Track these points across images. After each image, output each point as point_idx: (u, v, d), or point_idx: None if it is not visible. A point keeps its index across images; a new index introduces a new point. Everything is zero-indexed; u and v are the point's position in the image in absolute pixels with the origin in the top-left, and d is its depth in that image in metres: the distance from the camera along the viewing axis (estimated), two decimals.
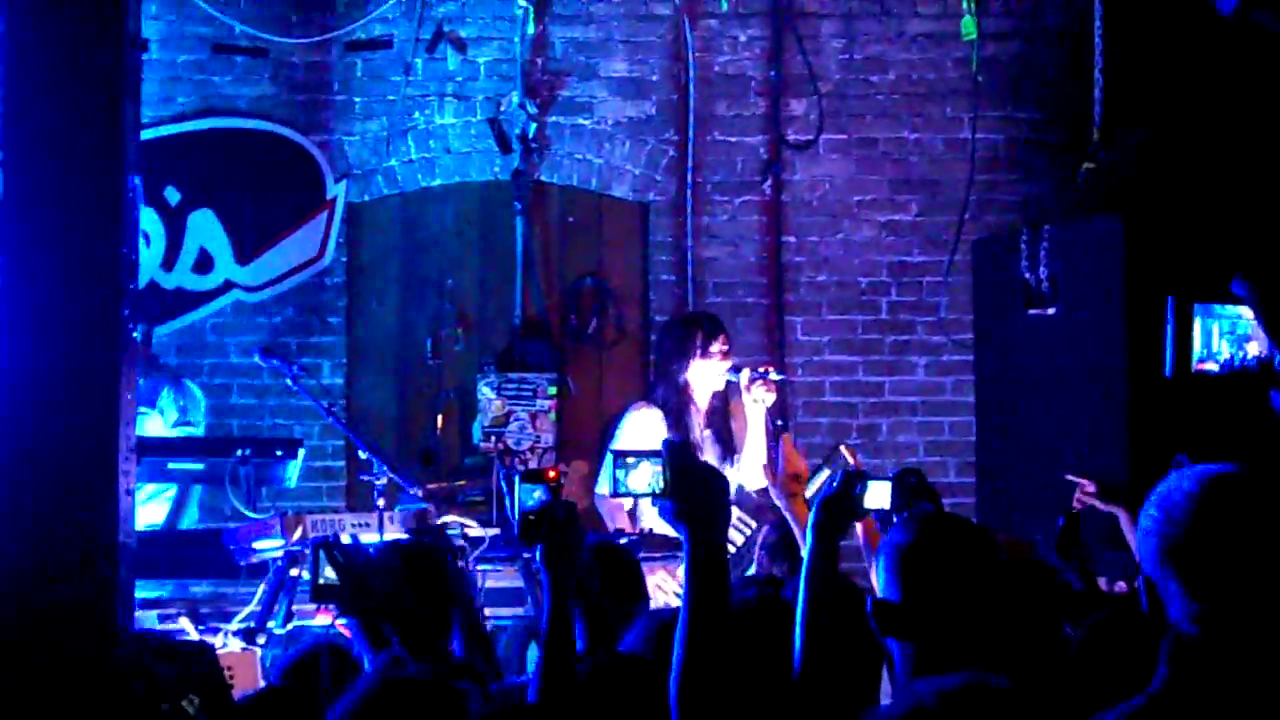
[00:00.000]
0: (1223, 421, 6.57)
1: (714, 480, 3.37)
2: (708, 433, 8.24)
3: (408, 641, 3.80)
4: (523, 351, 10.23)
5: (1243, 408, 4.79)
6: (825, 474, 7.35)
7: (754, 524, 7.68)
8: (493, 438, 9.94)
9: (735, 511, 7.73)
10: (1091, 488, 6.83)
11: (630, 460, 3.76)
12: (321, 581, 4.46)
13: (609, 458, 3.81)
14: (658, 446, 3.49)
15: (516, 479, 4.24)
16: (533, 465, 9.52)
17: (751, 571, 7.30)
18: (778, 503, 6.08)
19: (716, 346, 8.23)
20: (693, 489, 3.32)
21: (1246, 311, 4.03)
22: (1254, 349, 4.03)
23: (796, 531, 5.75)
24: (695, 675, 3.19)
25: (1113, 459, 8.31)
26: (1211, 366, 3.93)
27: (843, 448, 6.80)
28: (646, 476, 3.71)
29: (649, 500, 4.07)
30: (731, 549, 7.61)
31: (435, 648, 3.96)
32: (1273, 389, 4.05)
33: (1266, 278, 7.61)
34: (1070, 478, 7.01)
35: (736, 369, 8.26)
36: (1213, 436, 6.79)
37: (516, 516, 4.18)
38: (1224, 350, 3.95)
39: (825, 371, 10.50)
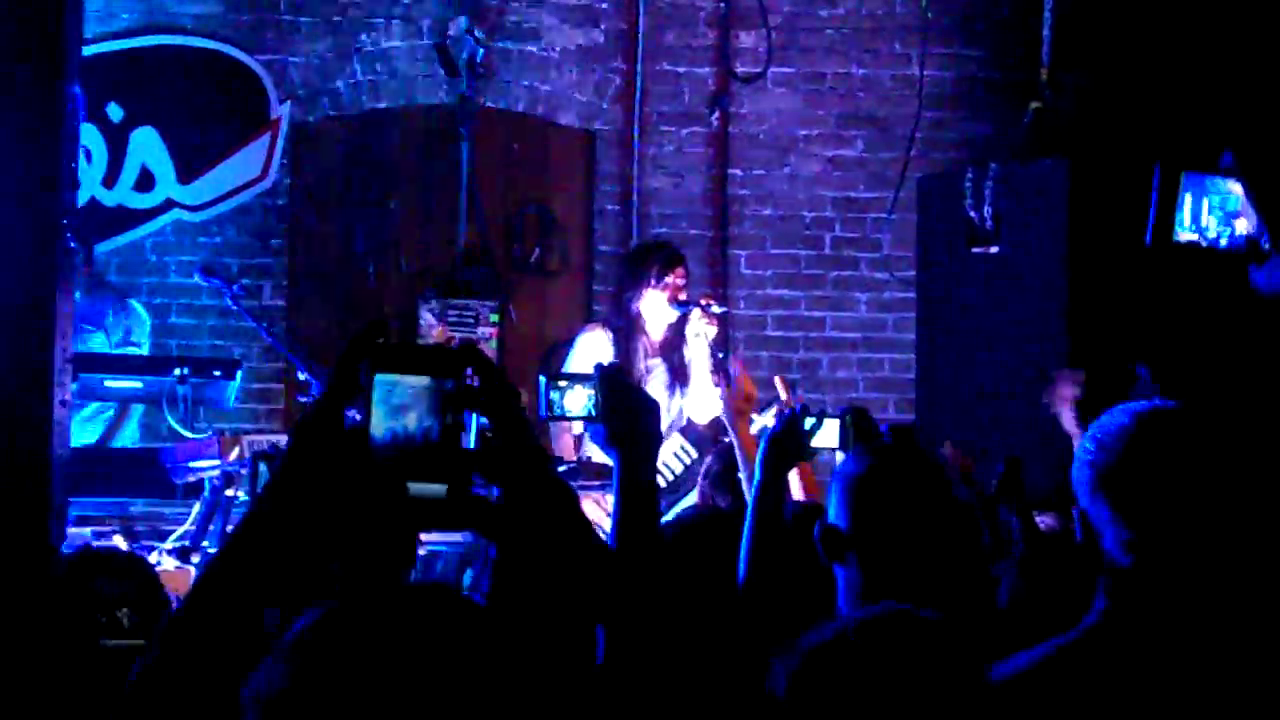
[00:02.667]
0: (1181, 305, 6.51)
1: (646, 405, 3.35)
2: (656, 362, 8.14)
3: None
4: (465, 278, 10.17)
5: (1217, 288, 4.80)
6: (772, 411, 7.37)
7: (695, 453, 7.65)
8: None
9: (678, 439, 7.71)
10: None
11: (563, 384, 3.76)
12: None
13: (541, 381, 3.79)
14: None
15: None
16: None
17: (693, 498, 7.30)
18: (725, 423, 6.11)
19: (671, 278, 8.07)
20: (624, 413, 3.31)
21: (1235, 187, 4.02)
22: (1242, 226, 4.01)
23: (739, 454, 5.77)
24: (625, 596, 3.18)
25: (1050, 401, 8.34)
26: (1192, 236, 3.91)
27: (778, 380, 6.77)
28: (580, 400, 3.71)
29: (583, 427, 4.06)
30: (670, 476, 7.60)
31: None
32: (1251, 265, 4.04)
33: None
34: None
35: (683, 303, 8.21)
36: (1164, 333, 6.74)
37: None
38: (1211, 227, 3.93)
39: (768, 305, 10.51)
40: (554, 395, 3.75)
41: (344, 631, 1.82)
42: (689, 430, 7.87)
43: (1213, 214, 3.97)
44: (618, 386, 3.36)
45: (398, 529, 1.99)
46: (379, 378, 1.99)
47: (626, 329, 7.99)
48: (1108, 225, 8.22)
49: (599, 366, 3.43)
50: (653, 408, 3.36)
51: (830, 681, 2.42)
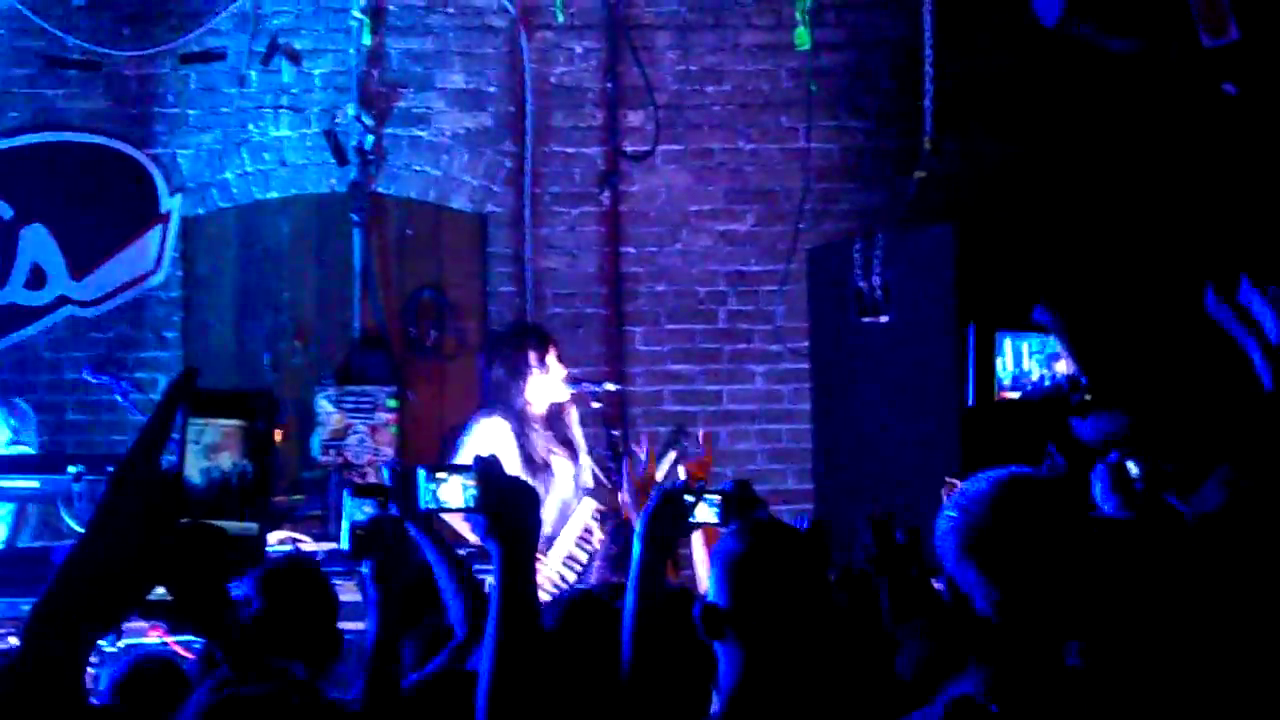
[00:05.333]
0: (1042, 436, 6.67)
1: (525, 495, 3.36)
2: (552, 447, 8.03)
3: (233, 658, 3.75)
4: (362, 364, 10.19)
5: (1055, 427, 4.92)
6: (670, 458, 7.40)
7: (597, 542, 7.61)
8: (332, 451, 9.89)
9: (582, 524, 7.67)
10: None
11: (441, 475, 3.75)
12: (149, 597, 4.38)
13: (420, 473, 3.78)
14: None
15: (346, 493, 4.21)
16: (372, 479, 9.48)
17: (593, 581, 7.32)
18: (627, 503, 6.15)
19: (550, 358, 8.00)
20: (504, 504, 3.32)
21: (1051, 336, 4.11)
22: (1062, 367, 4.10)
23: None
24: (503, 688, 3.19)
25: (946, 465, 8.42)
26: (1014, 395, 3.98)
27: (700, 433, 6.85)
28: (458, 491, 3.70)
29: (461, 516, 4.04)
30: (578, 567, 7.58)
31: (267, 665, 3.92)
32: (1073, 417, 4.13)
33: (1087, 289, 7.75)
34: (949, 479, 7.04)
35: (576, 381, 8.23)
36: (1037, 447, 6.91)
37: (346, 531, 4.16)
38: (1034, 371, 3.99)
39: (665, 380, 10.54)
40: (431, 486, 3.75)
41: None
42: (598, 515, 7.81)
43: (1033, 358, 4.06)
44: (497, 478, 3.36)
45: (213, 565, 2.03)
46: (192, 421, 2.05)
47: (519, 427, 7.85)
48: (994, 288, 8.31)
49: (478, 458, 3.44)
50: (533, 499, 3.37)
51: None
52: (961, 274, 8.70)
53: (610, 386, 8.24)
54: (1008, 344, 3.98)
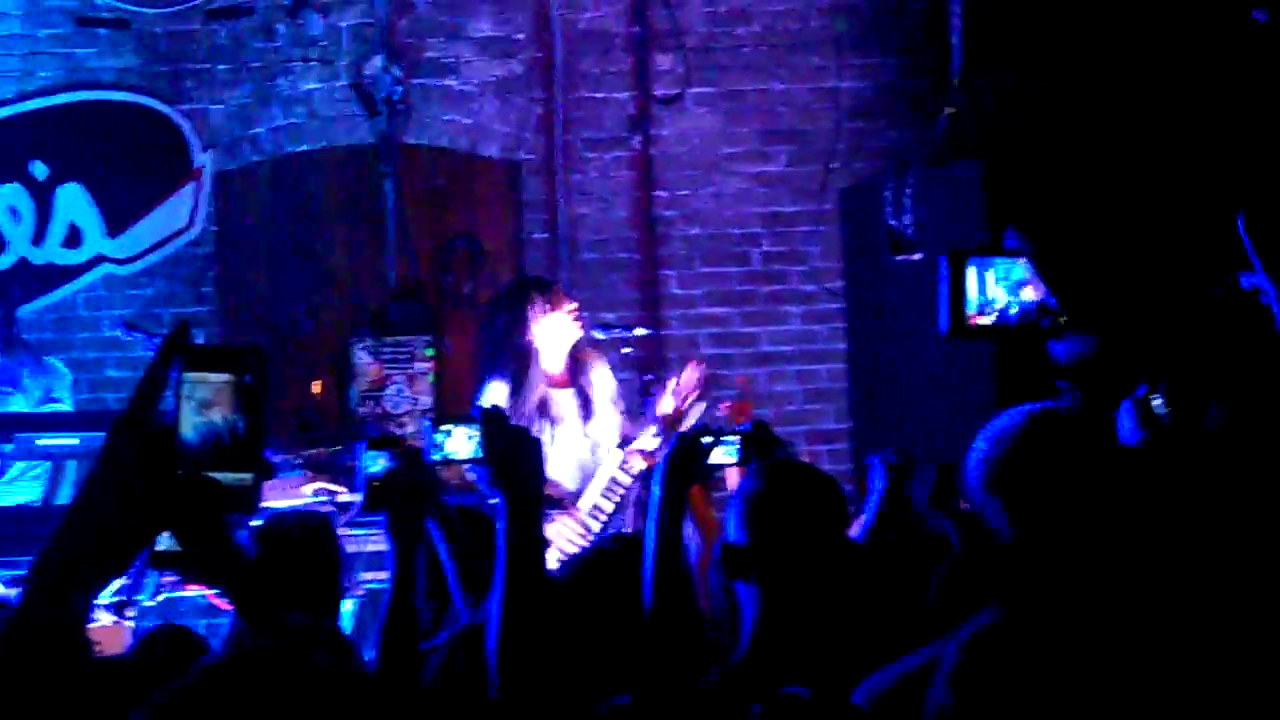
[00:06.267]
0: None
1: (527, 444, 3.40)
2: (559, 391, 7.66)
3: (246, 612, 3.77)
4: (397, 315, 10.22)
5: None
6: (699, 408, 7.35)
7: (625, 488, 7.45)
8: (370, 402, 9.93)
9: (609, 475, 7.52)
10: None
11: (447, 427, 3.79)
12: (160, 548, 4.41)
13: (426, 424, 3.83)
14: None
15: (361, 446, 4.23)
16: (410, 429, 9.51)
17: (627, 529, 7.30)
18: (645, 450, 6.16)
19: (555, 297, 7.57)
20: (506, 454, 3.35)
21: (1020, 262, 4.07)
22: (1029, 294, 4.06)
23: None
24: (511, 637, 3.22)
25: (981, 402, 8.42)
26: (985, 320, 3.96)
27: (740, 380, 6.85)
28: (465, 443, 3.74)
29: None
30: (604, 518, 7.45)
31: (274, 614, 3.92)
32: (1050, 340, 4.11)
33: (1114, 217, 7.72)
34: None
35: (605, 327, 8.20)
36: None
37: (361, 483, 4.18)
38: (1000, 299, 3.96)
39: (701, 324, 10.54)
40: (439, 438, 3.79)
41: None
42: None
43: (1000, 285, 4.01)
44: (499, 429, 3.40)
45: (210, 514, 2.07)
46: (186, 376, 2.09)
47: (517, 370, 7.50)
48: (1025, 224, 8.29)
49: (478, 409, 3.48)
50: (535, 447, 3.40)
51: None
52: (993, 210, 8.68)
53: (640, 331, 8.21)
54: (972, 271, 3.94)
